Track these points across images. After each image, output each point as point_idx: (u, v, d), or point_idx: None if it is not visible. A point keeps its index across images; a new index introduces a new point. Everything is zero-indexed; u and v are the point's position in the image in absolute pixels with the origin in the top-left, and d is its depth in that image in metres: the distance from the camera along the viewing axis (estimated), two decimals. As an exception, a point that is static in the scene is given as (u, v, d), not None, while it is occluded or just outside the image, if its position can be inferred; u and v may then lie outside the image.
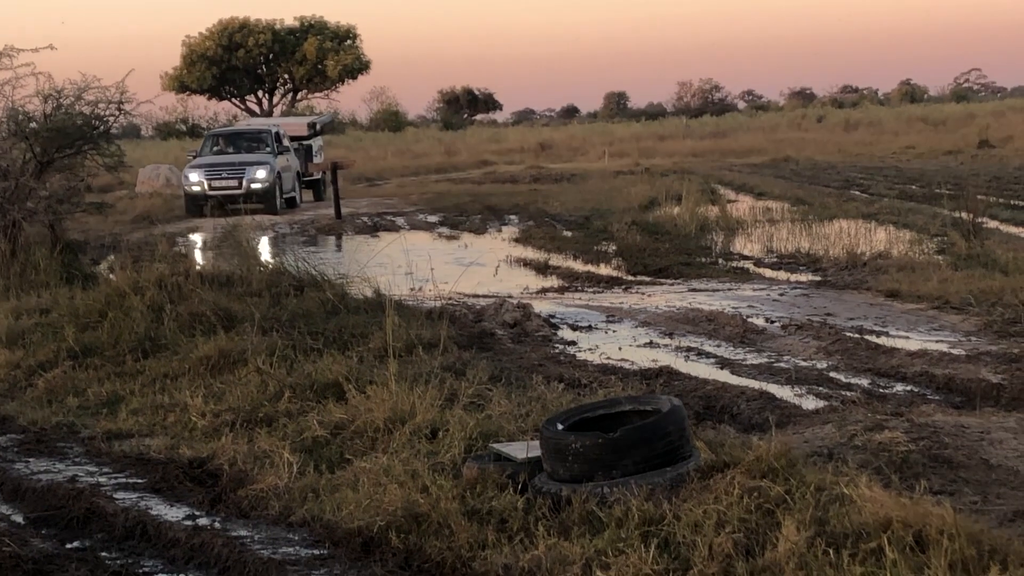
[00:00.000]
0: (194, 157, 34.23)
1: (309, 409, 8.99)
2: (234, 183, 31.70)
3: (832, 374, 10.30)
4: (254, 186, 31.84)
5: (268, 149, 33.62)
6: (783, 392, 9.63)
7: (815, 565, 5.43)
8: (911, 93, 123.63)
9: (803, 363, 10.79)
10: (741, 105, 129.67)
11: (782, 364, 10.79)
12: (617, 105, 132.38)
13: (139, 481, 8.10)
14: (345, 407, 8.70)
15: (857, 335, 11.81)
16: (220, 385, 10.03)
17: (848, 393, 9.47)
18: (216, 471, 8.01)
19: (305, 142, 39.02)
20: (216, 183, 31.82)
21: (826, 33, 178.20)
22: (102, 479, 8.21)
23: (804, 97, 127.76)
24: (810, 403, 9.24)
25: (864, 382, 9.95)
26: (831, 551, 5.48)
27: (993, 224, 21.28)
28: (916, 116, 77.62)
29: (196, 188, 31.93)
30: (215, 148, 34.68)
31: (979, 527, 5.65)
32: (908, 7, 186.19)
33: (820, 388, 9.76)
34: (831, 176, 39.08)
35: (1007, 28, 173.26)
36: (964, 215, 20.56)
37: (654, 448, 6.48)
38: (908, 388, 9.71)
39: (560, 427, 6.82)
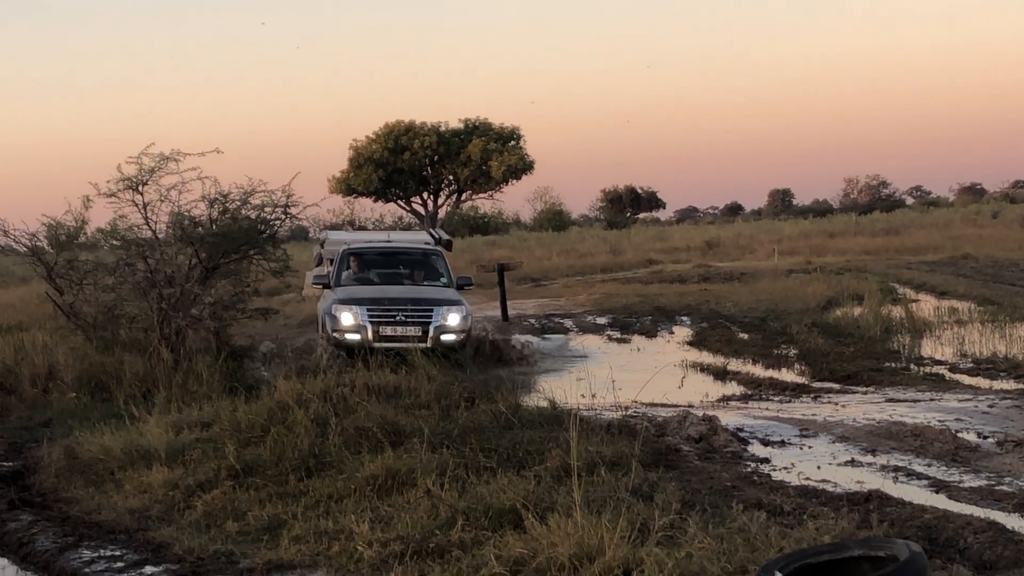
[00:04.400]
0: (321, 279, 22.50)
1: (485, 540, 8.20)
2: (416, 331, 20.11)
3: (1064, 500, 9.27)
4: (445, 338, 20.14)
5: (444, 279, 22.37)
6: (1013, 522, 8.62)
7: None
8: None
9: (1029, 486, 9.79)
10: (909, 201, 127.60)
11: (1004, 487, 9.80)
12: (782, 202, 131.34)
13: (300, 624, 7.38)
14: (524, 539, 7.89)
15: (1085, 453, 10.78)
16: (388, 509, 9.34)
17: (1089, 523, 8.46)
18: (385, 614, 7.25)
19: None
20: (387, 330, 20.05)
21: (994, 126, 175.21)
22: (260, 620, 7.50)
23: (974, 192, 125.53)
24: (1047, 536, 8.23)
25: (1105, 510, 8.92)
26: None
27: None
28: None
29: (354, 336, 19.93)
30: (357, 273, 22.44)
31: None
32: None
33: (1054, 517, 8.75)
34: (1015, 274, 37.67)
35: None
36: None
37: (893, 603, 5.58)
38: None
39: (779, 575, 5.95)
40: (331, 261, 23.41)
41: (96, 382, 16.84)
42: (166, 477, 11.20)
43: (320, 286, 21.97)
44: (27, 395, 17.30)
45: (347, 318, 19.99)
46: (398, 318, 20.13)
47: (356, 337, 19.81)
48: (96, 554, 9.45)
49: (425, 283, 22.21)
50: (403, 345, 19.56)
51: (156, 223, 18.34)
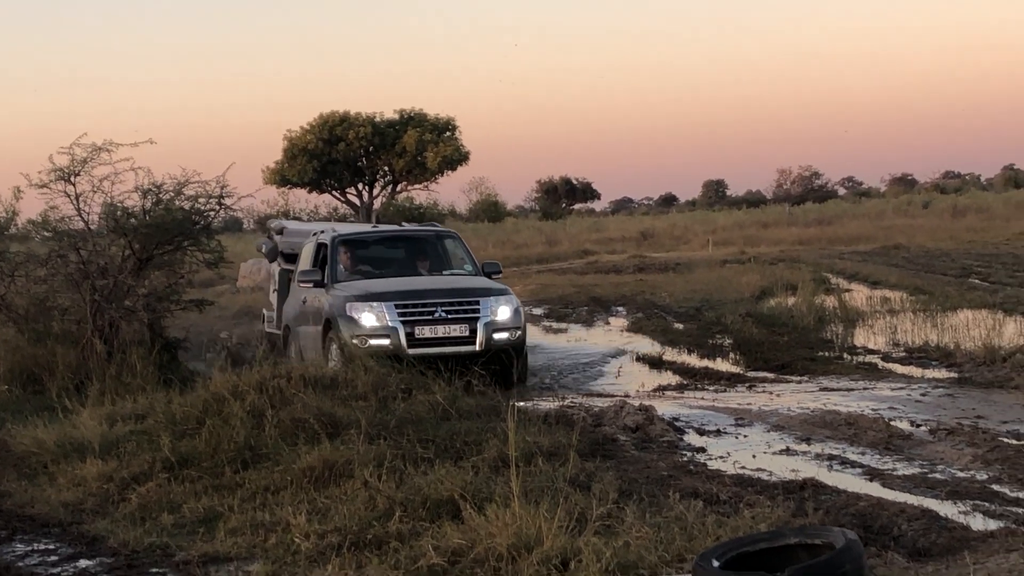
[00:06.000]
0: (309, 276, 17.90)
1: (423, 531, 8.15)
2: (462, 330, 16.24)
3: (996, 487, 9.33)
4: (498, 336, 16.32)
5: (469, 266, 18.54)
6: (946, 509, 8.66)
7: None
8: (1014, 178, 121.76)
9: (961, 474, 9.85)
10: (842, 192, 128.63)
11: (937, 475, 9.85)
12: (716, 193, 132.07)
13: (237, 616, 7.33)
14: (462, 529, 7.84)
15: (1015, 441, 10.89)
16: (325, 500, 9.25)
17: (1020, 510, 8.51)
18: (322, 607, 7.21)
19: None
20: (424, 331, 16.17)
21: (925, 118, 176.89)
22: (196, 613, 7.44)
23: (906, 183, 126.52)
24: (979, 523, 8.28)
25: (1035, 497, 8.99)
26: None
27: None
28: (1026, 200, 76.05)
29: (381, 342, 15.88)
30: (359, 265, 18.29)
31: None
32: (1010, 91, 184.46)
33: (986, 504, 8.79)
34: (946, 264, 37.98)
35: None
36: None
37: (829, 591, 5.60)
38: (1087, 505, 8.72)
39: (716, 564, 5.96)
40: (292, 256, 20.56)
41: (28, 374, 16.67)
42: (100, 470, 11.08)
43: (311, 283, 17.68)
44: (-41, 388, 17.09)
45: (369, 318, 16.05)
46: (437, 315, 16.12)
47: (384, 343, 15.76)
48: (30, 548, 9.33)
49: (446, 273, 18.32)
50: (447, 350, 15.72)
51: (89, 214, 18.13)
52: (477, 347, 15.95)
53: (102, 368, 15.96)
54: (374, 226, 22.43)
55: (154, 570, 8.46)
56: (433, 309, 16.16)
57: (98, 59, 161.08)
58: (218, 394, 12.48)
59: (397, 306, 16.11)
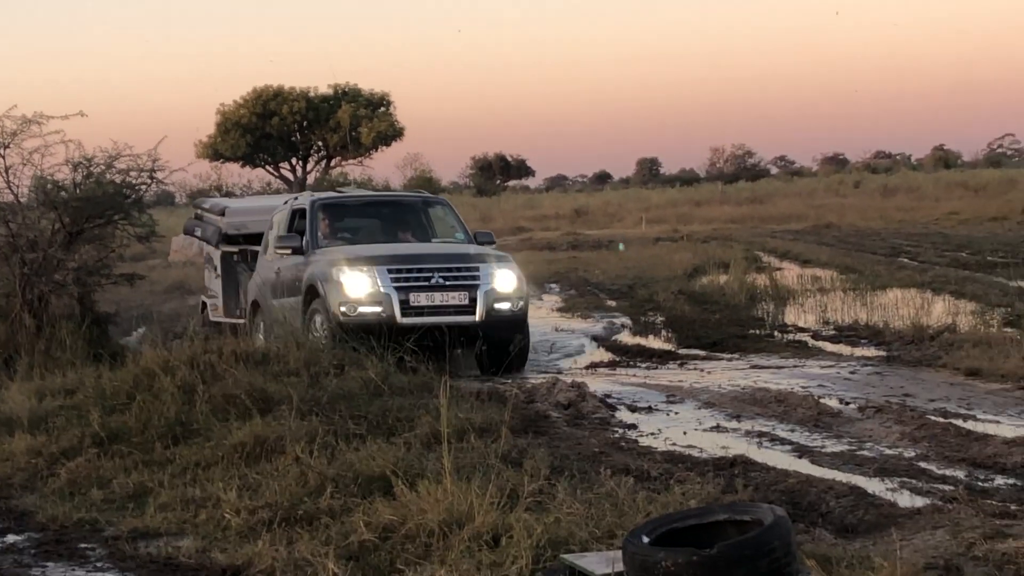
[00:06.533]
0: (287, 241, 16.44)
1: (354, 507, 8.12)
2: (460, 298, 14.91)
3: (923, 464, 9.40)
4: (500, 306, 15.05)
5: (461, 235, 17.01)
6: (874, 486, 8.71)
7: None
8: (944, 158, 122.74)
9: (888, 451, 9.91)
10: (774, 170, 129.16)
11: (865, 452, 9.91)
12: (649, 171, 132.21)
13: (167, 592, 7.28)
14: (394, 505, 7.83)
15: (942, 419, 10.93)
16: (256, 476, 9.20)
17: (946, 487, 8.56)
18: (252, 583, 7.18)
19: None
20: (420, 298, 14.82)
21: (857, 99, 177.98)
22: (126, 590, 7.40)
23: (837, 163, 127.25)
24: (906, 499, 8.33)
25: (961, 474, 9.05)
26: None
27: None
28: (955, 181, 76.70)
29: (371, 309, 14.65)
30: (340, 233, 16.85)
31: None
32: (940, 72, 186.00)
33: (914, 481, 8.85)
34: (876, 243, 38.28)
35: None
36: (1027, 285, 19.93)
37: (757, 567, 5.62)
38: (1012, 482, 8.78)
39: (646, 540, 5.97)
40: (236, 238, 19.69)
41: (-45, 349, 16.49)
42: (29, 444, 10.99)
43: (289, 249, 16.13)
44: None
45: (359, 284, 14.60)
46: (434, 281, 14.78)
47: (376, 310, 14.49)
48: (-44, 523, 9.27)
49: (435, 241, 16.97)
50: (444, 319, 14.54)
51: (18, 187, 17.89)
52: (477, 317, 14.72)
53: (31, 342, 15.80)
54: (347, 193, 20.60)
55: (83, 545, 8.41)
56: (430, 275, 14.81)
57: (28, 30, 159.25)
58: (148, 369, 12.38)
59: (390, 271, 14.71)
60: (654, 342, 18.67)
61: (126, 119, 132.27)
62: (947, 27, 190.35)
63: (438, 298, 14.71)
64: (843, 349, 16.71)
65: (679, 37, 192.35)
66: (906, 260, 30.99)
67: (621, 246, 39.86)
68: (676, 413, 12.17)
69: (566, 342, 19.07)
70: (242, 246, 19.36)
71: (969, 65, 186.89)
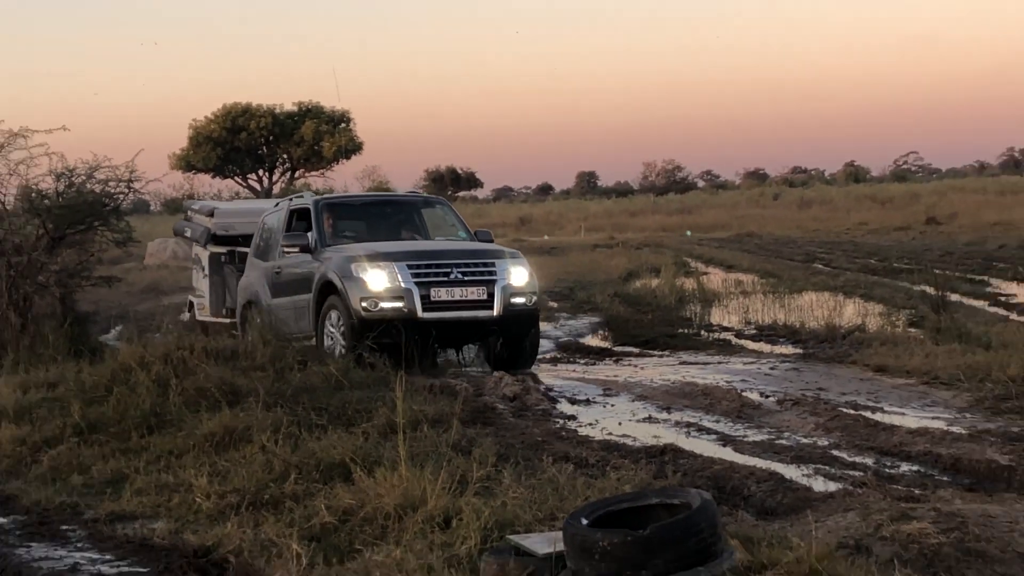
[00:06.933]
0: (295, 239, 15.29)
1: (316, 492, 8.10)
2: (479, 293, 13.99)
3: (835, 452, 9.40)
4: (516, 301, 14.19)
5: (463, 233, 16.10)
6: (791, 472, 8.73)
7: None
8: (855, 174, 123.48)
9: (804, 440, 9.92)
10: (701, 184, 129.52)
11: (784, 441, 9.91)
12: (588, 183, 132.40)
13: (142, 571, 7.18)
14: (353, 490, 7.81)
15: (853, 411, 10.95)
16: (225, 463, 9.14)
17: (856, 473, 8.58)
18: (222, 562, 7.07)
19: None
20: (440, 293, 13.88)
21: (777, 118, 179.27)
22: (104, 568, 7.30)
23: (758, 177, 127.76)
24: (820, 484, 8.34)
25: (869, 461, 9.07)
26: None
27: (955, 297, 20.56)
28: (864, 195, 77.16)
29: (392, 304, 13.69)
30: (347, 232, 15.72)
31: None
32: (851, 95, 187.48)
33: (827, 468, 8.85)
34: (793, 250, 38.49)
35: (941, 113, 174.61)
36: (929, 289, 20.07)
37: (686, 546, 5.63)
38: (915, 468, 8.81)
39: (585, 522, 5.97)
40: (224, 239, 18.86)
41: (-56, 346, 16.33)
42: (13, 434, 10.89)
43: (297, 247, 15.04)
44: None
45: (380, 279, 13.62)
46: (453, 276, 13.85)
47: (397, 305, 13.55)
48: (-54, 507, 9.17)
49: (439, 238, 15.99)
50: (464, 314, 13.84)
51: (4, 196, 17.77)
52: (495, 312, 13.89)
53: (16, 339, 15.69)
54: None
55: (64, 527, 8.35)
56: (448, 270, 13.88)
57: (14, 52, 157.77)
58: (125, 364, 12.34)
59: (410, 266, 13.74)
60: (592, 340, 18.70)
61: (105, 134, 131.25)
62: (858, 53, 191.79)
63: (457, 293, 13.87)
64: (763, 347, 16.75)
65: (614, 60, 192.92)
66: (820, 266, 31.16)
67: (688, 232, 39.79)
68: (612, 405, 12.15)
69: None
70: (230, 247, 18.71)
71: (878, 88, 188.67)
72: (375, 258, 13.82)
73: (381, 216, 16.27)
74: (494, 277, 13.92)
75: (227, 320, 18.17)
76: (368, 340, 12.96)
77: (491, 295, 13.81)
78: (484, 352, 14.83)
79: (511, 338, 14.14)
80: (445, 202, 17.16)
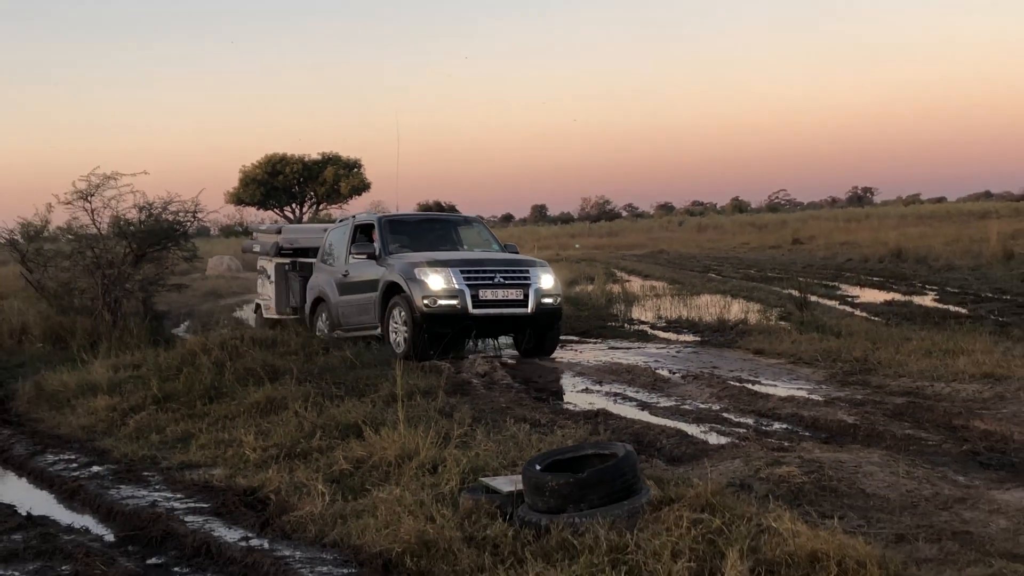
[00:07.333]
0: (363, 248, 14.61)
1: (336, 446, 8.07)
2: (517, 294, 13.46)
3: (725, 414, 9.42)
4: (546, 301, 13.64)
5: (496, 246, 15.41)
6: (692, 430, 8.74)
7: (758, 591, 4.59)
8: (739, 206, 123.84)
9: (702, 406, 9.91)
10: (624, 213, 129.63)
11: (686, 406, 9.90)
12: (540, 213, 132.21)
13: (204, 506, 7.15)
14: (364, 444, 7.78)
15: (738, 383, 10.97)
16: (267, 425, 9.11)
17: (741, 430, 8.60)
18: (265, 499, 7.06)
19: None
20: (487, 293, 13.31)
21: (681, 162, 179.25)
22: (176, 504, 7.26)
23: (667, 208, 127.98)
24: (714, 439, 8.35)
25: (750, 421, 9.07)
26: (770, 578, 4.64)
27: (814, 298, 20.59)
28: (746, 222, 77.41)
29: (449, 302, 13.12)
30: (406, 243, 14.87)
31: (892, 557, 4.82)
32: (737, 143, 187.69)
33: (719, 426, 8.87)
34: (693, 263, 38.47)
35: (803, 159, 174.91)
36: (794, 292, 20.09)
37: (614, 485, 5.65)
38: (784, 426, 8.83)
39: (538, 468, 5.97)
40: (287, 251, 17.91)
41: (57, 336, 16.21)
42: (107, 403, 10.81)
43: (365, 255, 14.45)
44: (6, 345, 16.57)
45: (437, 281, 13.14)
46: (496, 280, 13.34)
47: (452, 303, 13.07)
48: (57, 458, 9.08)
49: (476, 249, 15.09)
50: (504, 311, 13.33)
51: (100, 223, 17.72)
52: (529, 310, 13.35)
53: (109, 332, 15.62)
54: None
55: (145, 473, 8.28)
56: (492, 275, 13.34)
57: (109, 113, 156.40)
58: (191, 350, 12.29)
59: (463, 271, 13.24)
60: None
61: (177, 175, 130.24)
62: (739, 112, 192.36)
63: (500, 294, 13.30)
64: (671, 336, 16.66)
65: (562, 113, 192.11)
66: (713, 275, 31.09)
67: (576, 245, 39.65)
68: (559, 380, 12.10)
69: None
70: (292, 258, 17.98)
71: (756, 138, 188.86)
72: (434, 264, 13.33)
73: (428, 231, 15.52)
74: (528, 281, 13.46)
75: (289, 316, 17.60)
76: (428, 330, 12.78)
77: (526, 296, 13.40)
78: (515, 342, 14.34)
79: (539, 330, 13.70)
80: (480, 220, 16.31)
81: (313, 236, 17.97)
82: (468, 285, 13.13)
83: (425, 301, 13.00)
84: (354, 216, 16.23)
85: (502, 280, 13.32)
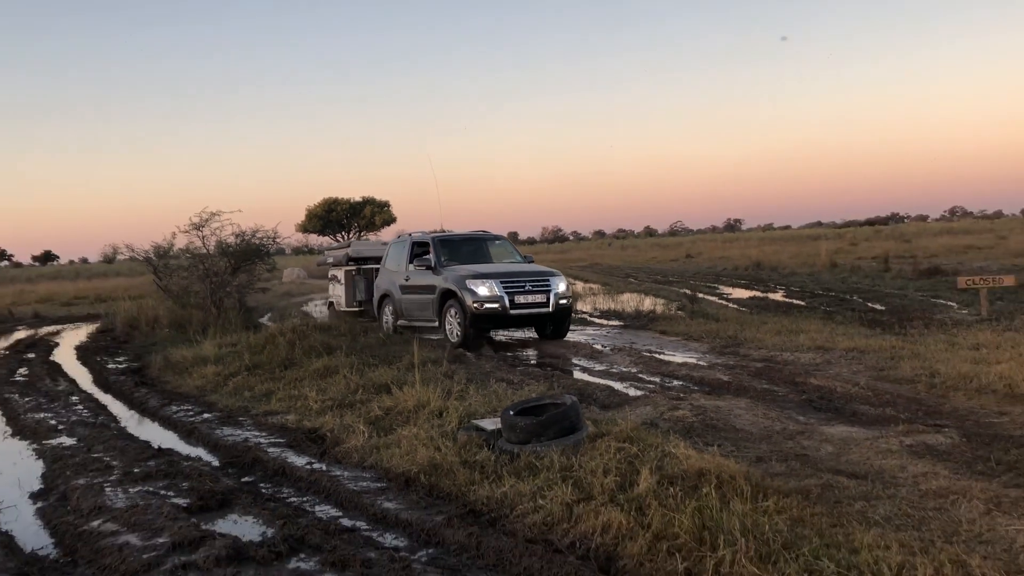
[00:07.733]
0: (423, 262, 13.57)
1: (372, 399, 8.03)
2: (542, 298, 12.59)
3: (640, 375, 9.38)
4: (562, 302, 12.77)
5: (518, 258, 14.22)
6: (618, 386, 8.73)
7: (663, 495, 4.61)
8: (650, 231, 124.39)
9: (624, 369, 9.87)
10: (571, 238, 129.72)
11: (614, 370, 9.85)
12: (513, 238, 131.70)
13: (281, 440, 7.11)
14: (392, 398, 7.75)
15: (649, 354, 10.93)
16: (325, 384, 9.05)
17: (650, 386, 8.61)
18: (323, 436, 7.03)
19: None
20: (520, 298, 12.45)
21: (609, 199, 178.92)
22: (261, 439, 7.21)
23: (600, 234, 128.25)
24: (632, 392, 8.33)
25: (657, 380, 9.05)
26: (670, 487, 4.66)
27: (701, 295, 20.68)
28: (655, 243, 77.62)
29: (492, 305, 12.26)
30: (453, 256, 13.72)
31: (753, 472, 4.85)
32: (646, 184, 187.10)
33: (636, 384, 8.85)
34: (618, 272, 38.41)
35: (694, 199, 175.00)
36: (687, 291, 20.11)
37: (564, 425, 5.65)
38: (680, 383, 8.83)
39: (512, 413, 5.97)
40: (355, 260, 17.03)
41: (178, 324, 16.05)
42: (214, 370, 10.71)
43: (424, 267, 13.42)
44: (144, 331, 16.41)
45: (484, 290, 12.29)
46: (527, 287, 12.53)
47: (495, 306, 12.25)
48: (180, 408, 8.98)
49: (506, 262, 13.84)
50: (533, 311, 12.51)
51: (208, 245, 17.59)
52: (550, 308, 12.55)
53: (215, 321, 15.50)
54: (457, 232, 15.89)
55: (240, 419, 8.20)
56: (524, 284, 12.49)
57: (215, 163, 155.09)
58: (272, 333, 12.18)
59: (502, 281, 12.37)
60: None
61: (262, 210, 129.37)
62: (643, 158, 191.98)
63: (530, 298, 12.47)
64: (603, 321, 16.44)
65: (530, 157, 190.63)
66: (632, 280, 31.06)
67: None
68: (526, 354, 12.03)
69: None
70: (357, 265, 17.36)
71: (661, 184, 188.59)
72: (479, 276, 12.53)
73: (467, 246, 14.24)
74: (549, 288, 12.65)
75: (356, 309, 16.92)
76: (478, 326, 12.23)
77: (548, 299, 12.60)
78: (537, 330, 13.56)
79: (557, 322, 13.00)
80: (505, 239, 14.84)
81: (372, 249, 17.50)
82: (506, 292, 12.38)
83: (475, 304, 12.25)
84: (410, 234, 15.29)
85: (531, 287, 12.60)
